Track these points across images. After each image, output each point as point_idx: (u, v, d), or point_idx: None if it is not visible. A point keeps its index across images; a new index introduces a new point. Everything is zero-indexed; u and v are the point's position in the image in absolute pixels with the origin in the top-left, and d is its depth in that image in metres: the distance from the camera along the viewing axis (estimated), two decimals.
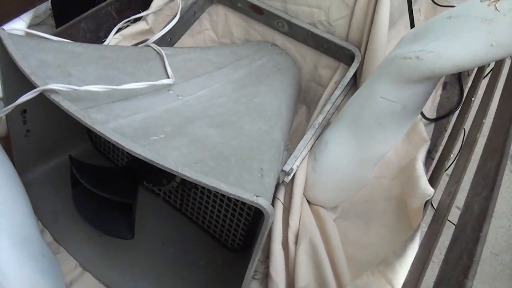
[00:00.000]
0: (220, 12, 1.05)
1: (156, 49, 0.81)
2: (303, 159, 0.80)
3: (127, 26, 1.05)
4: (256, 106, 0.76)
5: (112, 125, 0.57)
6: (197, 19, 1.04)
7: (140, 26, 1.05)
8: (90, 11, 1.01)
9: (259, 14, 0.98)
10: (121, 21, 1.04)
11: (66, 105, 0.56)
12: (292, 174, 0.77)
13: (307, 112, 1.00)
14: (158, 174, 0.75)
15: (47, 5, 0.94)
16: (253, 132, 0.68)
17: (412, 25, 0.93)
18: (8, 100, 0.70)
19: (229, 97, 0.76)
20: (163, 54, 0.78)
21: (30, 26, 0.92)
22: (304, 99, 1.01)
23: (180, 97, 0.71)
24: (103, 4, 1.03)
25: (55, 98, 0.57)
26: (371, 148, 0.75)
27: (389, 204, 0.84)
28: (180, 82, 0.74)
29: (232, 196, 0.50)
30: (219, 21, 1.06)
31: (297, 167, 0.78)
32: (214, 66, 0.83)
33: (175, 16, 0.94)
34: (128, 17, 1.04)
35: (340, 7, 0.91)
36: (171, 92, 0.71)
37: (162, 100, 0.68)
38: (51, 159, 0.85)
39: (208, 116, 0.68)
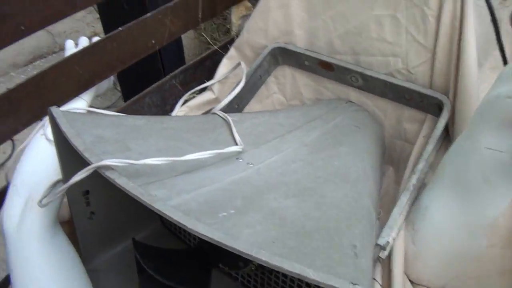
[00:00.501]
0: (287, 74, 0.99)
1: (222, 116, 0.74)
2: (399, 230, 0.68)
3: (193, 97, 1.02)
4: (337, 170, 0.66)
5: (174, 202, 0.50)
6: (264, 83, 0.98)
7: (206, 96, 1.01)
8: (154, 85, 0.98)
9: (329, 70, 0.91)
10: (186, 93, 1.00)
11: (122, 182, 0.50)
12: (388, 249, 0.64)
13: (395, 173, 0.89)
14: (233, 256, 0.65)
15: (109, 83, 0.92)
16: (338, 201, 0.57)
17: (505, 62, 0.81)
18: (67, 181, 0.65)
19: (305, 161, 0.67)
20: (230, 120, 0.72)
21: (102, 109, 0.91)
22: (390, 158, 0.90)
23: (251, 165, 0.63)
24: (167, 78, 1.01)
25: (110, 175, 0.51)
26: (480, 211, 0.63)
27: (505, 280, 0.69)
28: (250, 149, 0.67)
29: (321, 285, 0.39)
30: (286, 83, 0.99)
31: (393, 239, 0.66)
32: (285, 129, 0.76)
33: (240, 81, 0.89)
34: (193, 88, 1.01)
35: (419, 52, 0.81)
36: (241, 160, 0.63)
37: (231, 170, 0.60)
38: (118, 243, 0.79)
39: (283, 184, 0.59)
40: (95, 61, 0.84)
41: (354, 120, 0.84)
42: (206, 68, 1.08)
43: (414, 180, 0.70)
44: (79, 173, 0.53)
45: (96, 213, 0.73)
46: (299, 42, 0.94)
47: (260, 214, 0.51)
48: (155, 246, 0.62)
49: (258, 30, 0.97)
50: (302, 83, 0.97)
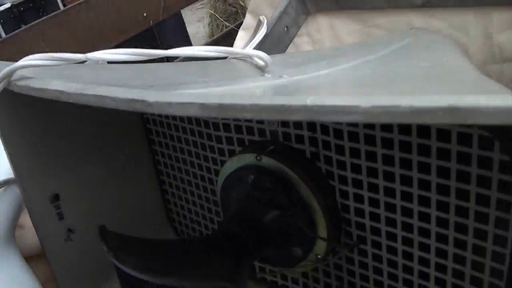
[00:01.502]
0: (322, 26, 0.75)
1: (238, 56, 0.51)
2: None
3: None
4: (429, 70, 0.40)
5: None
6: (293, 43, 0.75)
7: None
8: None
9: None
10: None
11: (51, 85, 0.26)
12: None
13: None
14: (283, 240, 0.38)
15: None
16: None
17: None
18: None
19: (375, 69, 0.41)
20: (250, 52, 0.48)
21: None
22: None
23: (286, 77, 0.37)
24: None
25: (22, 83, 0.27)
26: None
27: None
28: (283, 69, 0.42)
29: None
30: (324, 38, 0.75)
31: None
32: (333, 55, 0.51)
33: (261, 29, 0.66)
34: None
35: None
36: (268, 75, 0.38)
37: (249, 81, 0.36)
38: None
39: (352, 79, 0.34)
40: (67, 35, 0.63)
41: (428, 40, 0.58)
42: None
43: None
44: None
45: (76, 230, 0.50)
46: None
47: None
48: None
49: None
50: (345, 31, 0.73)
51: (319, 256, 0.38)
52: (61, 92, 0.24)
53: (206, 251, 0.33)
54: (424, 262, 0.35)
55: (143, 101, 0.20)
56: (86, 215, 0.50)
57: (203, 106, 0.18)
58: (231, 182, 0.41)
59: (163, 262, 0.32)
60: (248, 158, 0.39)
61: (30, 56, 0.28)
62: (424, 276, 0.35)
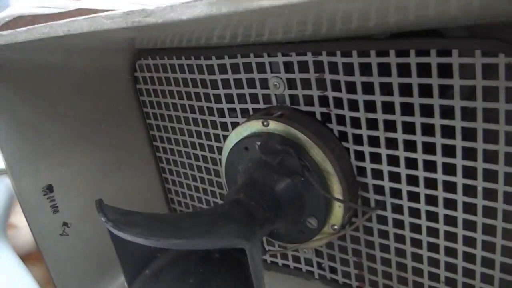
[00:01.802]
0: None
1: None
2: None
3: None
4: None
5: None
6: None
7: None
8: None
9: None
10: None
11: None
12: None
13: None
14: (296, 209, 0.36)
15: None
16: None
17: None
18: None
19: None
20: None
21: None
22: None
23: None
24: None
25: None
26: None
27: None
28: None
29: None
30: None
31: None
32: None
33: None
34: None
35: None
36: None
37: None
38: (116, 275, 0.52)
39: None
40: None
41: None
42: None
43: None
44: None
45: (72, 223, 0.47)
46: None
47: None
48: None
49: None
50: None
51: (335, 227, 0.36)
52: (51, 26, 0.22)
53: (213, 218, 0.31)
54: (450, 221, 0.32)
55: (141, 11, 0.17)
56: (82, 208, 0.47)
57: (211, 2, 0.16)
58: (237, 153, 0.38)
59: (167, 227, 0.29)
60: (254, 126, 0.37)
61: (20, 5, 0.26)
62: (451, 236, 0.33)
